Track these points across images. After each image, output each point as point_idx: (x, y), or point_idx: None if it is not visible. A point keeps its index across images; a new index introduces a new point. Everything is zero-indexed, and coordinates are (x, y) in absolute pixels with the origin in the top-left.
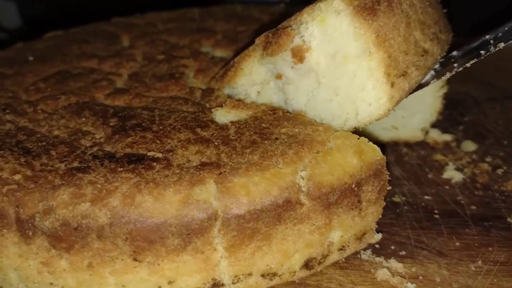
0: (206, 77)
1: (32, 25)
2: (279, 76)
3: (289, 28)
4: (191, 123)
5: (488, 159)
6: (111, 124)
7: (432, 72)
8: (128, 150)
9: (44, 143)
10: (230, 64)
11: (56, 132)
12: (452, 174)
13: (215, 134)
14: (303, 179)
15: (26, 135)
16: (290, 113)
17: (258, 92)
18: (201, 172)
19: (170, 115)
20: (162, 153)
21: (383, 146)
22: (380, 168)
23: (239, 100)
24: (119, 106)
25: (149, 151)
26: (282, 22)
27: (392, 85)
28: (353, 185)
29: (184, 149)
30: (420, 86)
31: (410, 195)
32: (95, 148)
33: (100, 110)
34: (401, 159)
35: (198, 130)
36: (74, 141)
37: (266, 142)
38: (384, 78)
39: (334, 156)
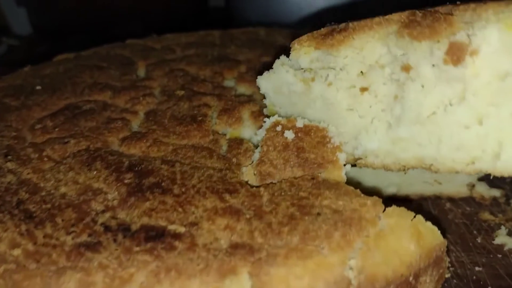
0: (231, 119)
1: (41, 32)
2: (407, 68)
3: (453, 17)
4: (218, 186)
5: None
6: (126, 181)
7: None
8: (145, 220)
9: (49, 205)
10: (341, 27)
11: (63, 189)
12: (504, 240)
13: (245, 203)
14: (352, 270)
15: (29, 193)
16: (326, 180)
17: (362, 73)
18: (232, 258)
19: (193, 172)
20: (185, 226)
21: (424, 199)
22: (440, 254)
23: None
24: (135, 156)
25: (170, 222)
26: (436, 6)
27: None
28: (411, 278)
29: (210, 222)
30: None
31: (458, 265)
32: (108, 215)
33: (113, 161)
34: (445, 217)
35: (226, 196)
36: (83, 203)
37: (306, 218)
38: None
39: (388, 241)
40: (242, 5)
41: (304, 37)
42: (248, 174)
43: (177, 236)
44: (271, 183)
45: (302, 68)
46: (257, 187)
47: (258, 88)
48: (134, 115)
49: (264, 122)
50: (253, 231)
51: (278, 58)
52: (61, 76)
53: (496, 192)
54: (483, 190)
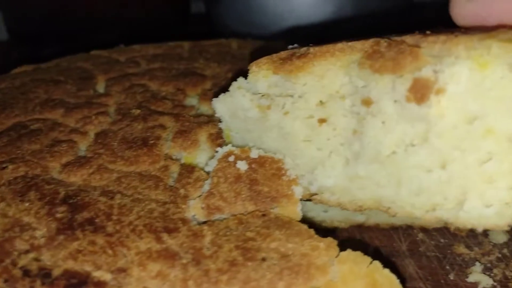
0: (186, 142)
1: (18, 38)
2: (367, 102)
3: (419, 49)
4: (157, 223)
5: None
6: (58, 215)
7: None
8: (70, 264)
9: None
10: (301, 51)
11: None
12: (478, 278)
13: (185, 244)
14: None
15: None
16: (278, 217)
17: (321, 102)
18: None
19: (133, 206)
20: (112, 272)
21: (395, 229)
22: None
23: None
24: (74, 185)
25: (96, 267)
26: (401, 36)
27: None
28: None
29: (142, 267)
30: None
31: None
32: (31, 256)
33: (49, 191)
34: (416, 249)
35: (164, 236)
36: (7, 241)
37: (249, 264)
38: None
39: None
40: (222, 13)
41: (263, 59)
42: (195, 207)
43: (100, 285)
44: (217, 220)
45: (260, 93)
46: (200, 225)
47: None
48: (83, 136)
49: (217, 151)
50: (187, 280)
51: (235, 80)
52: (15, 91)
53: None
54: None
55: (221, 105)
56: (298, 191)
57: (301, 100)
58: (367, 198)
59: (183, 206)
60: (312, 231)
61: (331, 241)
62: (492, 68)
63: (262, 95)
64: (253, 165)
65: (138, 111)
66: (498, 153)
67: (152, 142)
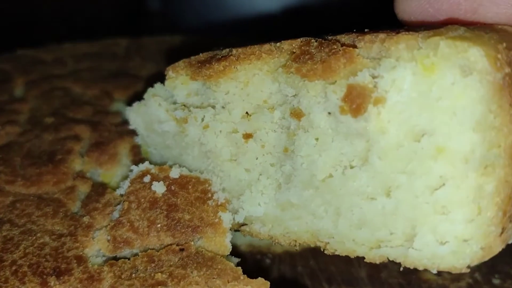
0: (103, 156)
1: None
2: (297, 114)
3: (355, 50)
4: (47, 263)
5: (496, 280)
6: None
7: None
8: None
9: None
10: (223, 53)
11: None
12: None
13: None
14: None
15: None
16: (199, 252)
17: (247, 114)
18: None
19: (21, 240)
20: None
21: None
22: None
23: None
24: None
25: None
26: (337, 35)
27: (502, 231)
28: None
29: None
30: None
31: None
32: None
33: None
34: (377, 275)
35: (52, 280)
36: None
37: None
38: (495, 216)
39: None
40: (178, 9)
41: (181, 63)
42: (100, 240)
43: None
44: (123, 258)
45: (178, 102)
46: (100, 265)
47: None
48: None
49: (131, 170)
50: None
51: (152, 86)
52: None
53: None
54: None
55: (135, 116)
56: (227, 219)
57: (224, 111)
58: (302, 231)
59: (84, 239)
60: (239, 270)
61: (261, 284)
62: (440, 72)
63: (179, 106)
64: (172, 187)
65: (52, 119)
66: (452, 177)
67: (60, 157)
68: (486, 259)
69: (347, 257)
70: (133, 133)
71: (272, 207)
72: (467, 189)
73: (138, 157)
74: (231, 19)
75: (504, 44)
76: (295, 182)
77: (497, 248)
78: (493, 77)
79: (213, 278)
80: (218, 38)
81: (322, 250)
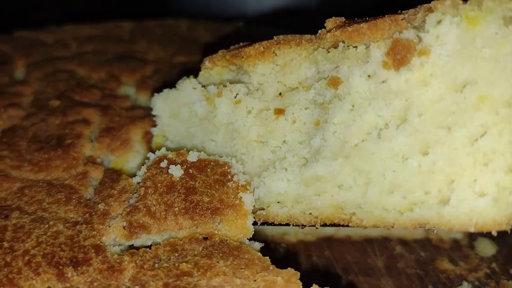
0: (114, 142)
1: None
2: (335, 83)
3: (400, 15)
4: (62, 253)
5: None
6: None
7: None
8: None
9: None
10: (264, 42)
11: None
12: None
13: (96, 283)
14: None
15: None
16: (224, 241)
17: (280, 94)
18: None
19: (33, 228)
20: None
21: (369, 242)
22: None
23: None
24: None
25: None
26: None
27: None
28: None
29: None
30: None
31: None
32: None
33: None
34: (394, 265)
35: (69, 271)
36: None
37: None
38: None
39: None
40: None
41: (219, 53)
42: (116, 227)
43: None
44: (144, 247)
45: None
46: (120, 254)
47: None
48: None
49: (148, 158)
50: None
51: (187, 77)
52: None
53: (457, 234)
54: (441, 230)
55: (162, 102)
56: (248, 200)
57: (257, 92)
58: (326, 206)
59: (101, 227)
60: (267, 260)
61: (291, 274)
62: (484, 23)
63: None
64: (190, 170)
65: (58, 102)
66: (494, 124)
67: (69, 141)
68: None
69: (363, 246)
70: (145, 118)
71: (295, 184)
72: (509, 134)
73: (151, 144)
74: (235, 3)
75: None
76: (324, 153)
77: None
78: None
79: (241, 268)
80: (223, 22)
81: (345, 224)
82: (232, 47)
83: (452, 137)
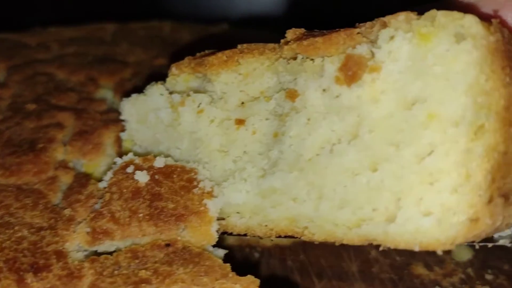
0: (86, 146)
1: None
2: (292, 95)
3: (355, 29)
4: (24, 258)
5: (489, 275)
6: None
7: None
8: None
9: None
10: (227, 51)
11: None
12: None
13: None
14: None
15: None
16: (187, 247)
17: (242, 103)
18: None
19: None
20: None
21: (344, 246)
22: None
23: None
24: None
25: None
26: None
27: (490, 200)
28: None
29: None
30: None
31: None
32: None
33: None
34: (368, 270)
35: (29, 277)
36: None
37: None
38: (483, 181)
39: None
40: None
41: (185, 60)
42: (80, 233)
43: None
44: (105, 253)
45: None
46: (81, 261)
47: None
48: None
49: (115, 162)
50: None
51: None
52: None
53: None
54: None
55: (130, 106)
56: (213, 207)
57: (220, 101)
58: (281, 219)
59: (65, 233)
60: (227, 267)
61: (250, 282)
62: (436, 39)
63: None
64: (156, 176)
65: (34, 105)
66: (441, 143)
67: (41, 146)
68: (472, 234)
69: (338, 251)
70: (119, 122)
71: (253, 195)
72: (456, 154)
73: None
74: (220, 4)
75: (498, 20)
76: (280, 166)
77: (485, 220)
78: (486, 41)
79: (200, 275)
80: (208, 24)
81: (299, 237)
82: (198, 54)
83: (400, 154)
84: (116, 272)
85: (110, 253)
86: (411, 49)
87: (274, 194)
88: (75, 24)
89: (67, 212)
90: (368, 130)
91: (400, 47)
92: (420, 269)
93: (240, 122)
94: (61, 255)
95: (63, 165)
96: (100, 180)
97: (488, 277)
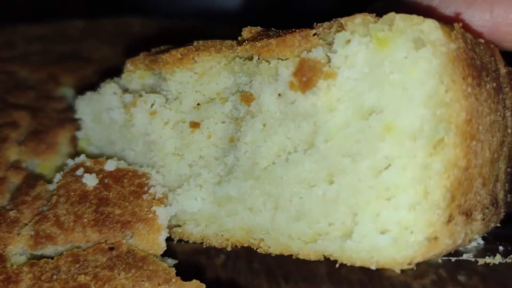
0: (40, 145)
1: None
2: (247, 99)
3: (311, 31)
4: None
5: (462, 277)
6: None
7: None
8: None
9: None
10: (181, 48)
11: None
12: None
13: None
14: None
15: None
16: (131, 251)
17: (198, 105)
18: None
19: None
20: None
21: None
22: None
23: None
24: None
25: None
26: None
27: (450, 219)
28: None
29: None
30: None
31: None
32: None
33: None
34: (337, 272)
35: None
36: None
37: None
38: (442, 199)
39: None
40: None
41: (140, 56)
42: (24, 236)
43: None
44: (46, 257)
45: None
46: (20, 265)
47: None
48: None
49: (66, 164)
50: None
51: (110, 78)
52: None
53: None
54: None
55: (85, 105)
56: (163, 215)
57: (174, 102)
58: (236, 228)
59: (7, 236)
60: (171, 271)
61: (195, 286)
62: (394, 45)
63: (129, 92)
64: (106, 180)
65: None
66: (399, 156)
67: None
68: (432, 254)
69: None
70: (76, 121)
71: (209, 203)
72: (413, 170)
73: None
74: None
75: (461, 24)
76: (236, 173)
77: (444, 240)
78: (446, 48)
79: (142, 280)
80: (180, 20)
81: (255, 249)
82: (153, 50)
83: (357, 167)
84: (55, 276)
85: (53, 257)
86: (368, 55)
87: (230, 203)
88: (47, 20)
89: (12, 214)
90: (324, 139)
91: (357, 52)
92: (390, 271)
93: (195, 125)
94: (0, 258)
95: (16, 166)
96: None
97: (461, 278)
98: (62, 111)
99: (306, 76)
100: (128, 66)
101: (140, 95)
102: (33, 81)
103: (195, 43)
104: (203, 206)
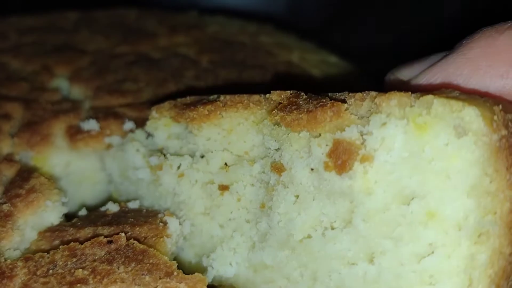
0: (34, 137)
1: None
2: (278, 168)
3: (343, 105)
4: None
5: None
6: None
7: None
8: None
9: None
10: (210, 98)
11: None
12: None
13: None
14: None
15: None
16: (131, 245)
17: (226, 165)
18: None
19: None
20: None
21: None
22: None
23: None
24: None
25: None
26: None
27: None
28: None
29: None
30: None
31: None
32: None
33: None
34: None
35: None
36: None
37: None
38: None
39: None
40: None
41: (166, 104)
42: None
43: None
44: (41, 253)
45: (156, 149)
46: (14, 260)
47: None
48: None
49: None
50: None
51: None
52: None
53: None
54: None
55: (111, 161)
56: (173, 225)
57: (202, 160)
58: None
59: (1, 230)
60: (173, 265)
61: (197, 280)
62: (433, 131)
63: (156, 152)
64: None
65: None
66: (443, 244)
67: None
68: None
69: None
70: (71, 111)
71: (244, 268)
72: (458, 258)
73: (73, 137)
74: None
75: (500, 106)
76: (270, 241)
77: None
78: (489, 139)
79: (143, 274)
80: (175, 11)
81: None
82: (179, 100)
83: (398, 250)
84: (51, 271)
85: (47, 250)
86: (406, 139)
87: (266, 270)
88: (40, 12)
89: (5, 207)
90: (362, 219)
91: (394, 135)
92: None
93: (224, 188)
94: None
95: (9, 158)
96: (50, 174)
97: None
98: (57, 102)
99: (341, 159)
100: (154, 113)
101: (166, 157)
102: (26, 73)
103: (221, 97)
104: (238, 271)
